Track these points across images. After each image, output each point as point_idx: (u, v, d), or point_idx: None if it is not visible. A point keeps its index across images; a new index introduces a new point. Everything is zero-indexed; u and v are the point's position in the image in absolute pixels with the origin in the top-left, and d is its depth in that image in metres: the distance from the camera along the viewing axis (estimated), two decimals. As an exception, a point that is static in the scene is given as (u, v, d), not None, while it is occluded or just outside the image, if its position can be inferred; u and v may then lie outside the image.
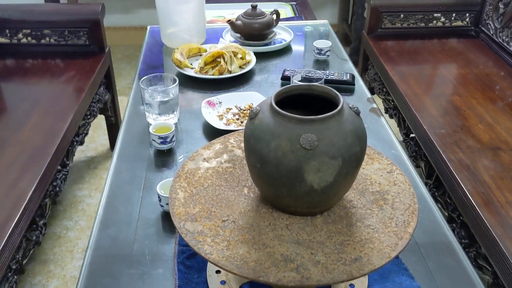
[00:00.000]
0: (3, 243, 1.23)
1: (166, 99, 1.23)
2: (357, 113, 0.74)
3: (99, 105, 2.10)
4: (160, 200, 1.01)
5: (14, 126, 1.69)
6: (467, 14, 2.29)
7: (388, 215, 0.77)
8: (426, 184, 1.71)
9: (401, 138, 1.98)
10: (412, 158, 1.86)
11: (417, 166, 1.82)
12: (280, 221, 0.76)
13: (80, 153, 2.37)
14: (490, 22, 2.21)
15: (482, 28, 2.28)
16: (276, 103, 0.73)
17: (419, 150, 1.81)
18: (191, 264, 0.92)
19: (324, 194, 0.72)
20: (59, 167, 1.68)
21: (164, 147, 1.17)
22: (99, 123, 2.50)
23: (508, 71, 2.03)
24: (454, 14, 2.30)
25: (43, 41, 2.15)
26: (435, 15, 2.29)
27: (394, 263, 0.92)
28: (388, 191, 0.82)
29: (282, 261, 0.70)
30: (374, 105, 1.36)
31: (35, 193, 1.43)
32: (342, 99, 0.73)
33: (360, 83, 1.46)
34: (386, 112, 2.15)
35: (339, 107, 0.71)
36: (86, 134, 1.98)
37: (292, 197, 0.73)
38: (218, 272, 0.89)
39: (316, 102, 0.77)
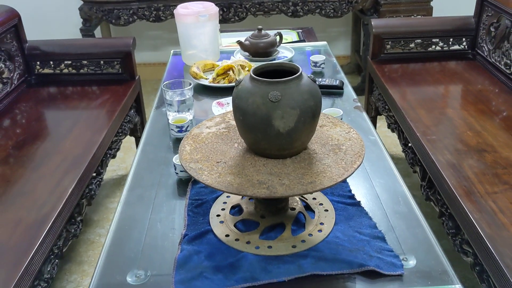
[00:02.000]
0: (47, 228, 1.54)
1: (183, 98, 1.59)
2: (314, 80, 1.07)
3: (130, 126, 2.47)
4: (175, 168, 1.34)
5: (58, 139, 2.05)
6: (464, 39, 2.60)
7: (340, 157, 1.09)
8: (421, 186, 1.98)
9: (401, 148, 2.27)
10: (409, 165, 2.14)
11: (414, 172, 2.09)
12: (259, 162, 1.09)
13: (112, 172, 2.74)
14: (484, 45, 2.51)
15: (478, 50, 2.58)
16: (255, 76, 1.07)
17: (414, 156, 2.08)
18: (198, 211, 1.24)
19: (289, 137, 1.04)
20: (94, 174, 2.02)
21: (181, 135, 1.52)
22: (129, 147, 2.88)
23: (500, 87, 2.31)
24: (451, 39, 2.61)
25: (81, 70, 2.55)
26: (434, 40, 2.61)
27: (357, 209, 1.22)
28: (343, 144, 1.13)
29: (257, 183, 1.02)
30: (358, 104, 1.69)
31: (74, 191, 1.76)
32: (301, 70, 1.06)
33: (348, 88, 1.80)
34: (388, 127, 2.44)
35: (297, 74, 1.04)
36: (118, 149, 2.35)
37: (266, 141, 1.05)
38: (218, 215, 1.21)
39: (286, 75, 1.10)
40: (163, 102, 1.71)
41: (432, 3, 3.05)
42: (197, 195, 1.29)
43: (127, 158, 2.85)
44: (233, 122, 1.24)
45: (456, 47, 2.64)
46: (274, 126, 1.02)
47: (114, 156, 2.30)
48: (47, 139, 2.07)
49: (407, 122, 2.08)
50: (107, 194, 2.57)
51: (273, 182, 1.02)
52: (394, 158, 2.29)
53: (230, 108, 1.66)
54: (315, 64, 1.93)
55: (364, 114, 1.64)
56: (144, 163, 1.44)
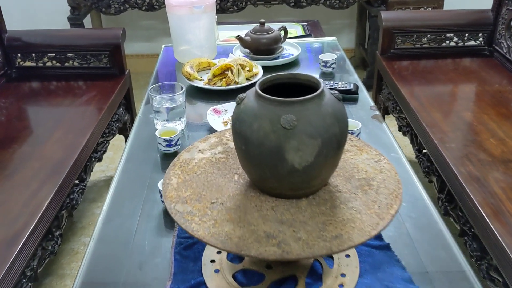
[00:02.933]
0: (18, 249, 1.28)
1: (173, 105, 1.29)
2: (338, 98, 0.78)
3: (118, 125, 2.18)
4: (161, 196, 1.05)
5: (37, 142, 1.78)
6: (480, 34, 2.32)
7: (372, 198, 0.80)
8: (438, 198, 1.72)
9: (414, 155, 1.99)
10: (424, 174, 1.86)
11: (429, 181, 1.82)
12: (266, 203, 0.80)
13: (100, 173, 2.45)
14: (503, 41, 2.23)
15: (496, 47, 2.29)
16: (262, 91, 0.78)
17: (431, 165, 1.81)
18: (188, 254, 0.95)
19: (305, 174, 0.75)
20: (76, 181, 1.74)
21: (170, 150, 1.23)
22: (119, 145, 2.58)
23: (522, 88, 2.03)
24: (467, 34, 2.32)
25: (66, 64, 2.26)
26: (448, 35, 2.32)
27: (386, 254, 0.94)
28: (374, 178, 0.84)
29: (264, 238, 0.73)
30: (377, 112, 1.39)
31: (52, 204, 1.49)
32: (323, 84, 0.77)
33: (364, 93, 1.50)
34: (399, 130, 2.16)
35: (318, 91, 0.75)
36: (105, 151, 2.06)
37: (276, 178, 0.76)
38: (212, 261, 0.93)
39: (301, 90, 0.81)
40: (150, 108, 1.41)
41: (443, -5, 2.75)
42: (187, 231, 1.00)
43: (117, 158, 2.55)
44: (233, 144, 0.95)
45: (471, 42, 2.35)
46: (287, 161, 0.73)
47: (100, 160, 2.01)
48: (25, 141, 1.78)
49: (422, 126, 1.81)
50: (93, 198, 2.28)
51: (285, 235, 0.73)
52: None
53: (228, 116, 1.36)
54: (325, 64, 1.63)
55: (384, 126, 1.34)
56: (124, 186, 1.15)
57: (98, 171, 2.44)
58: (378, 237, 0.98)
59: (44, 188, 1.52)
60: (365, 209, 0.78)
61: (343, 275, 0.89)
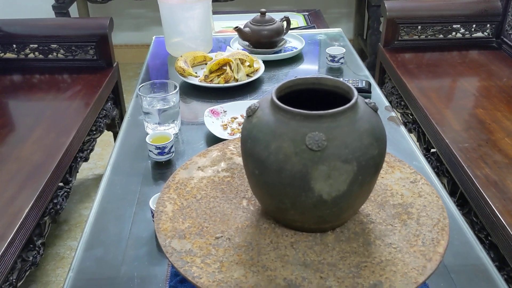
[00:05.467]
0: None
1: (166, 107, 1.11)
2: (375, 109, 0.61)
3: (106, 121, 2.00)
4: (153, 216, 0.88)
5: (15, 141, 1.60)
6: (488, 25, 2.16)
7: (413, 231, 0.63)
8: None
9: (422, 153, 1.84)
10: (434, 175, 1.72)
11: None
12: (284, 239, 0.63)
13: (88, 171, 2.27)
14: (513, 33, 2.07)
15: (505, 39, 2.14)
16: (279, 99, 0.61)
17: (441, 165, 1.66)
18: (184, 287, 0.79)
19: (335, 206, 0.58)
20: (60, 184, 1.58)
21: (162, 158, 1.05)
22: (108, 140, 2.40)
23: (534, 83, 1.89)
24: (474, 25, 2.16)
25: (50, 56, 2.07)
26: (454, 26, 2.16)
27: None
28: (412, 204, 0.68)
29: (285, 287, 0.56)
30: (393, 114, 1.23)
31: (32, 210, 1.33)
32: (356, 93, 0.60)
33: (377, 91, 1.33)
34: (405, 126, 2.00)
35: (352, 101, 0.58)
36: (92, 150, 1.88)
37: (298, 210, 0.60)
38: (215, 298, 0.76)
39: (326, 98, 0.64)
40: (139, 108, 1.23)
41: (447, -17, 2.58)
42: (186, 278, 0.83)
43: (106, 155, 2.37)
44: (239, 159, 0.77)
45: (478, 34, 2.19)
46: (314, 191, 0.56)
47: (86, 159, 1.83)
48: (2, 141, 1.60)
49: (431, 124, 1.65)
50: (80, 199, 2.10)
51: (311, 284, 0.56)
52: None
53: (227, 118, 1.19)
54: (333, 58, 1.44)
55: (403, 129, 1.17)
56: (109, 203, 0.97)
57: (85, 169, 2.26)
58: (409, 267, 0.82)
59: (23, 194, 1.35)
60: (406, 246, 0.62)
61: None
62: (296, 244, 0.62)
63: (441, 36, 2.18)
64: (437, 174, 1.68)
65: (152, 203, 0.88)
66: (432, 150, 1.75)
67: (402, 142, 1.13)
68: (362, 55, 2.98)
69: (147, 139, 1.05)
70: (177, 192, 0.71)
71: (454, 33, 2.18)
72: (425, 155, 1.80)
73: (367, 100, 0.61)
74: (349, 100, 0.60)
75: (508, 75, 1.96)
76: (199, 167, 0.76)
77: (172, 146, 1.05)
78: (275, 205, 0.61)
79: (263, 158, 0.57)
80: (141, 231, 0.90)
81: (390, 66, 2.09)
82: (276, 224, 0.65)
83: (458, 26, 2.17)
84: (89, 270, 0.83)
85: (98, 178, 2.23)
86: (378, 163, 0.59)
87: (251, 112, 0.61)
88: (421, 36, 2.17)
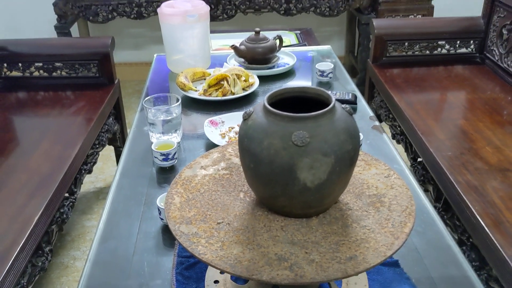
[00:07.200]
0: (7, 267, 1.22)
1: (169, 118, 1.25)
2: (350, 113, 0.74)
3: (108, 135, 2.13)
4: (160, 213, 1.01)
5: (23, 154, 1.72)
6: (472, 41, 2.31)
7: (384, 216, 0.77)
8: (435, 207, 1.69)
9: (409, 163, 1.97)
10: (420, 183, 1.84)
11: (425, 190, 1.79)
12: (275, 223, 0.76)
13: (90, 184, 2.39)
14: (495, 48, 2.22)
15: (487, 54, 2.28)
16: (270, 105, 0.74)
17: (426, 173, 1.79)
18: (190, 274, 0.91)
19: (318, 192, 0.72)
20: (66, 195, 1.69)
21: (166, 164, 1.18)
22: (109, 155, 2.52)
23: (515, 95, 2.02)
24: (458, 42, 2.31)
25: (54, 73, 2.20)
26: (440, 42, 2.31)
27: (396, 272, 0.91)
28: (385, 194, 0.81)
29: (276, 260, 0.69)
30: (376, 123, 1.37)
31: (42, 218, 1.43)
32: (334, 99, 0.74)
33: (362, 103, 1.47)
34: (393, 138, 2.14)
35: (331, 105, 0.71)
36: (95, 163, 2.00)
37: (287, 197, 0.73)
38: (216, 282, 0.88)
39: (310, 104, 0.77)
40: (144, 120, 1.37)
41: (433, 2, 2.74)
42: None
43: (106, 169, 2.49)
44: (236, 160, 0.91)
45: (463, 50, 2.34)
46: (300, 179, 0.70)
47: (90, 171, 1.95)
48: (11, 153, 1.72)
49: (417, 135, 1.78)
50: (83, 210, 2.22)
51: (297, 258, 0.69)
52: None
53: (225, 127, 1.32)
54: (322, 73, 1.59)
55: (385, 137, 1.31)
56: (120, 203, 1.10)
57: (87, 182, 2.38)
58: (387, 254, 0.94)
59: (32, 202, 1.46)
60: (378, 227, 0.75)
61: (352, 294, 0.85)
62: (285, 227, 0.75)
63: (427, 52, 2.32)
64: (423, 181, 1.81)
65: (159, 202, 1.01)
66: (419, 159, 1.87)
67: (384, 148, 1.26)
68: (353, 71, 3.13)
69: (153, 147, 1.18)
70: (184, 187, 0.83)
71: (439, 49, 2.33)
72: (412, 165, 1.93)
73: (343, 106, 0.75)
74: (328, 105, 0.73)
75: (491, 88, 2.10)
76: (202, 166, 0.89)
77: (175, 153, 1.18)
78: (268, 194, 0.74)
79: (257, 153, 0.71)
80: (149, 227, 1.02)
81: (378, 81, 2.22)
82: (268, 211, 0.78)
83: (443, 42, 2.32)
84: (104, 260, 0.95)
85: (99, 191, 2.35)
86: (352, 156, 0.72)
87: (247, 116, 0.75)
88: (408, 52, 2.32)
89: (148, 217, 1.05)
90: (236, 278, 0.89)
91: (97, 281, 0.91)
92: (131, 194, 1.12)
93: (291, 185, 0.71)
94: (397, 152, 1.26)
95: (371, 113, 1.43)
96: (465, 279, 0.89)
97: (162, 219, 1.01)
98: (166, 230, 1.02)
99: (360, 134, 1.19)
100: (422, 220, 1.03)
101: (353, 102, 1.44)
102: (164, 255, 0.96)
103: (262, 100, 0.76)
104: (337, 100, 1.42)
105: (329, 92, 0.75)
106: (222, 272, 0.90)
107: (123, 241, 0.99)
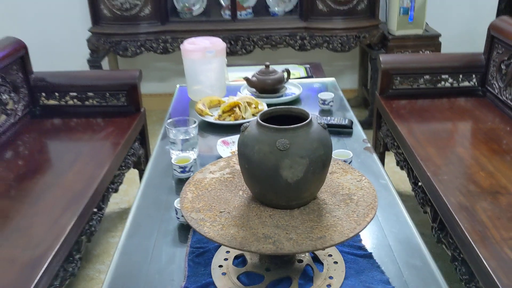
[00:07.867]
0: (43, 269, 1.44)
1: (187, 137, 1.51)
2: (324, 127, 0.99)
3: (133, 159, 2.40)
4: (176, 213, 1.26)
5: (59, 173, 1.98)
6: (473, 75, 2.53)
7: (352, 209, 1.00)
8: (432, 227, 1.88)
9: (411, 187, 2.18)
10: (420, 205, 2.04)
11: (424, 212, 2.00)
12: (265, 212, 1.00)
13: (114, 205, 2.65)
14: (495, 82, 2.44)
15: (488, 87, 2.50)
16: (262, 121, 1.00)
17: (425, 196, 1.98)
18: (199, 261, 1.15)
19: (297, 188, 0.96)
20: (95, 210, 1.94)
21: (184, 175, 1.44)
22: (133, 178, 2.80)
23: (512, 126, 2.22)
24: (461, 76, 2.53)
25: (86, 102, 2.49)
26: (443, 76, 2.53)
27: (369, 262, 1.13)
28: (355, 194, 1.05)
29: (262, 238, 0.93)
30: (368, 145, 1.61)
31: (73, 229, 1.66)
32: (311, 116, 0.99)
33: (358, 128, 1.72)
34: (397, 165, 2.35)
35: (307, 121, 0.97)
36: (121, 183, 2.26)
37: (273, 191, 0.97)
38: (220, 266, 1.12)
39: (295, 121, 1.02)
40: (166, 141, 1.64)
41: (440, 39, 2.99)
42: (198, 242, 1.20)
43: (130, 191, 2.76)
44: (238, 167, 1.16)
45: (465, 83, 2.56)
46: (282, 177, 0.94)
47: (116, 191, 2.22)
48: (48, 172, 2.00)
49: (416, 160, 2.00)
50: (108, 228, 2.48)
51: (279, 236, 0.93)
52: (402, 195, 2.20)
53: (235, 147, 1.58)
54: (323, 102, 1.86)
55: (375, 156, 1.55)
56: (144, 208, 1.36)
57: (112, 203, 2.65)
58: (362, 247, 1.17)
59: (66, 214, 1.70)
60: (346, 217, 0.98)
61: (331, 277, 1.08)
62: (272, 216, 0.99)
63: (431, 85, 2.55)
64: (422, 204, 2.01)
65: (176, 203, 1.26)
66: (419, 183, 2.08)
67: (373, 166, 1.50)
68: (366, 103, 3.37)
69: (173, 161, 1.44)
70: (195, 186, 1.09)
71: (443, 82, 2.55)
72: (413, 189, 2.14)
73: (319, 121, 1.00)
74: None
75: (491, 119, 2.31)
76: (210, 171, 1.14)
77: (191, 166, 1.44)
78: (258, 189, 0.99)
79: (250, 156, 0.96)
80: (167, 225, 1.28)
81: (385, 112, 2.45)
82: (260, 205, 1.02)
83: (447, 76, 2.54)
84: (129, 251, 1.20)
85: (123, 211, 2.62)
86: (324, 160, 0.97)
87: (244, 128, 1.00)
88: (413, 85, 2.54)
89: (167, 218, 1.30)
90: (236, 263, 1.13)
91: (124, 267, 1.15)
92: (153, 200, 1.38)
93: (276, 181, 0.95)
94: (384, 169, 1.49)
95: (364, 136, 1.67)
96: (426, 267, 1.11)
97: (178, 218, 1.26)
98: (181, 228, 1.26)
99: (350, 152, 1.44)
100: (398, 224, 1.26)
101: (349, 127, 1.69)
102: (179, 247, 1.20)
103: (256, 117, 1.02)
104: (334, 124, 1.68)
105: (315, 114, 1.00)
106: (225, 259, 1.14)
107: (146, 236, 1.24)
